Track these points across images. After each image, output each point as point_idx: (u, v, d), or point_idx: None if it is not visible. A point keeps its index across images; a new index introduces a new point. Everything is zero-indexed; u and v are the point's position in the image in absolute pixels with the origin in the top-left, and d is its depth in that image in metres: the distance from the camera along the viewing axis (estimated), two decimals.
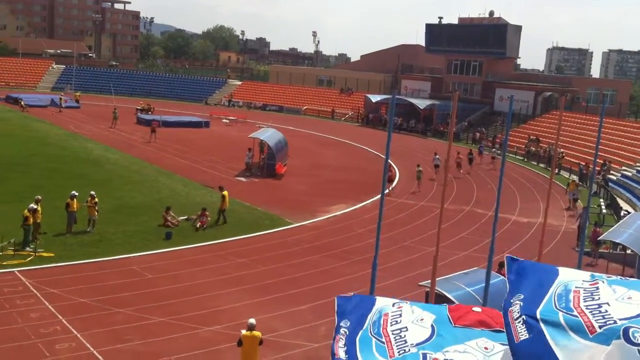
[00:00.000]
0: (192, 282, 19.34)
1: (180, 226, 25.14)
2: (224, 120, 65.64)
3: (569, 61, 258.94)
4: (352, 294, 10.83)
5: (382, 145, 51.97)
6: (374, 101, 74.75)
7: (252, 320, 14.07)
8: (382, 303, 10.35)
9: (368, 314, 10.16)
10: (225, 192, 26.49)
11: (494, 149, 53.00)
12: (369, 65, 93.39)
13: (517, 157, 52.58)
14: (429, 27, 79.24)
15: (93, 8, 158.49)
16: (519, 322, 5.16)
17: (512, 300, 5.39)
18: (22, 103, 62.89)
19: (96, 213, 23.76)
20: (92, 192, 24.30)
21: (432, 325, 9.74)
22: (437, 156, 41.65)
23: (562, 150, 47.39)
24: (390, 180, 36.70)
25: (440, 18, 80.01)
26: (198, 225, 25.09)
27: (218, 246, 23.35)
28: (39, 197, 22.40)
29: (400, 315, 10.05)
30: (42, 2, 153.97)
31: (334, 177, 39.15)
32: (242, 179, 36.10)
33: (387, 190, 29.79)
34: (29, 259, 20.10)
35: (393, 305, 10.23)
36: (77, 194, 23.72)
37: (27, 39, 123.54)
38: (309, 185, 36.07)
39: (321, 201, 32.04)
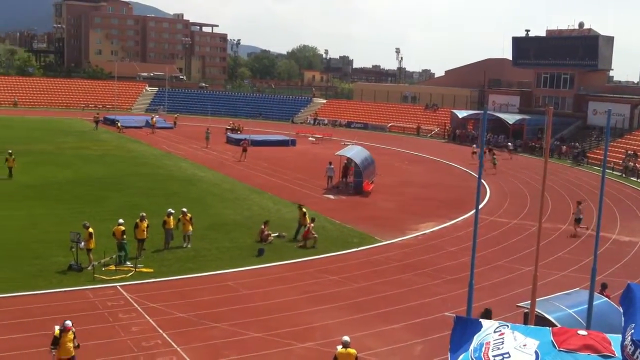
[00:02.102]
0: (285, 299, 19.55)
1: (272, 243, 25.51)
2: (310, 139, 66.42)
3: None
4: (454, 315, 10.66)
5: (470, 162, 51.25)
6: (460, 117, 73.74)
7: (346, 338, 14.07)
8: (486, 326, 10.12)
9: (472, 337, 9.96)
10: (305, 209, 26.87)
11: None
12: (454, 80, 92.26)
13: (614, 172, 50.42)
14: (516, 40, 77.57)
15: (183, 32, 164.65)
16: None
17: (625, 334, 5.12)
18: (119, 124, 65.93)
19: (191, 228, 24.48)
20: (184, 209, 25.08)
21: (535, 352, 9.41)
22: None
23: None
24: None
25: (527, 31, 78.26)
26: (300, 240, 25.59)
27: (309, 263, 23.51)
28: (144, 214, 23.26)
29: (502, 342, 9.79)
30: (134, 28, 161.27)
31: (422, 194, 38.75)
32: (331, 196, 36.30)
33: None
34: (130, 274, 20.90)
35: (495, 331, 9.98)
36: (173, 211, 24.54)
37: (122, 63, 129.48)
38: (396, 203, 35.84)
39: (410, 219, 31.75)
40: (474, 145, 60.00)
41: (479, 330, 9.91)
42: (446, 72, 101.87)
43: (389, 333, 17.31)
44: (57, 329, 13.81)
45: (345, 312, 18.60)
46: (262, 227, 25.96)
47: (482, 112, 19.40)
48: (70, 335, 13.76)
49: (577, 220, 29.73)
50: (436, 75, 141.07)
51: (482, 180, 37.48)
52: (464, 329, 10.06)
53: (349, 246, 25.95)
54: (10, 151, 37.63)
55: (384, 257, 24.67)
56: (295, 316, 18.16)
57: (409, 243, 27.21)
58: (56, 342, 13.69)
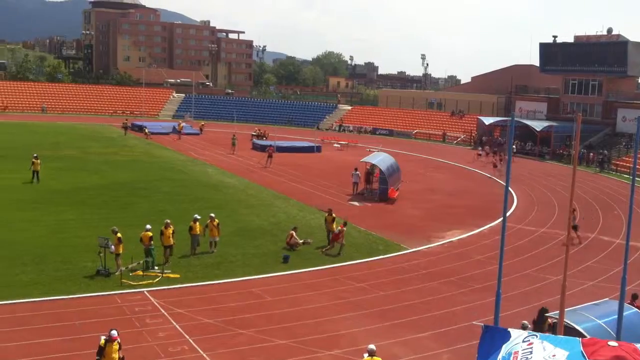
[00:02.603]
0: (311, 306, 19.53)
1: (297, 249, 25.51)
2: (335, 145, 66.46)
3: None
4: (482, 324, 10.55)
5: (497, 169, 50.78)
6: (486, 123, 73.22)
7: (372, 346, 14.01)
8: (515, 336, 10.00)
9: (500, 347, 9.85)
10: (333, 215, 26.82)
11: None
12: (481, 87, 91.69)
13: None
14: (543, 46, 76.84)
15: (209, 38, 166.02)
16: None
17: None
18: (146, 130, 66.62)
19: (217, 234, 24.59)
20: (212, 214, 25.23)
21: None
22: None
23: None
24: None
25: (555, 37, 77.50)
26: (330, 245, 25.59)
27: (334, 270, 23.47)
28: (168, 221, 23.37)
29: (531, 352, 9.66)
30: (162, 34, 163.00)
31: (448, 202, 38.51)
32: (356, 203, 36.23)
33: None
34: (157, 279, 21.05)
35: (523, 340, 9.85)
36: (199, 217, 24.66)
37: (149, 69, 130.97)
38: (422, 210, 35.65)
39: (436, 226, 31.56)
40: (480, 149, 63.95)
41: (508, 339, 9.80)
42: (472, 78, 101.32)
43: (415, 342, 17.19)
44: (102, 339, 13.67)
45: (371, 320, 18.52)
46: (291, 232, 25.99)
47: (509, 118, 19.24)
48: (115, 346, 13.57)
49: (574, 228, 29.17)
50: (462, 82, 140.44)
51: (510, 188, 37.21)
52: (492, 338, 9.96)
53: (375, 253, 25.86)
54: (35, 155, 38.29)
55: (410, 265, 24.54)
56: (321, 323, 18.12)
57: (435, 251, 27.03)
58: (101, 352, 13.56)
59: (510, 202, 37.41)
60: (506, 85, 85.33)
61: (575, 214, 29.46)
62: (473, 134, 76.56)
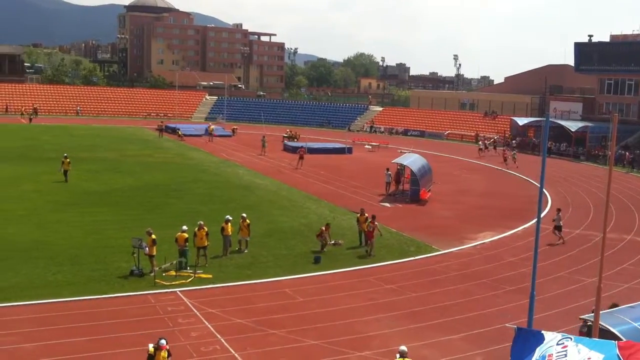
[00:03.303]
0: (341, 307, 19.53)
1: (328, 250, 25.55)
2: (366, 146, 66.35)
3: None
4: (515, 326, 10.44)
5: (530, 170, 50.27)
6: (520, 124, 72.39)
7: (403, 348, 13.97)
8: (549, 339, 9.88)
9: (534, 349, 9.74)
10: (366, 215, 26.70)
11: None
12: (514, 87, 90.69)
13: None
14: (578, 46, 75.69)
15: (241, 41, 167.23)
16: None
17: None
18: (180, 132, 67.40)
19: (247, 234, 24.69)
20: (244, 215, 25.40)
21: None
22: None
23: None
24: None
25: (590, 36, 76.27)
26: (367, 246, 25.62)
27: (365, 271, 23.43)
28: (201, 223, 23.55)
29: (566, 355, 9.52)
30: (195, 38, 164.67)
31: (480, 203, 38.16)
32: (387, 204, 36.11)
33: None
34: (190, 279, 21.26)
35: (557, 343, 9.72)
36: (231, 218, 24.83)
37: (182, 72, 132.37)
38: (454, 211, 35.38)
39: (468, 228, 31.29)
40: (480, 142, 67.49)
41: (542, 342, 9.70)
42: (506, 78, 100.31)
43: (447, 344, 17.07)
44: (151, 347, 13.60)
45: (402, 322, 18.44)
46: (323, 228, 26.04)
47: (543, 119, 18.97)
48: (164, 354, 13.52)
49: (557, 228, 28.66)
50: (495, 82, 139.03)
51: (544, 190, 36.75)
52: (526, 341, 9.87)
53: (406, 255, 25.75)
54: (65, 155, 39.41)
55: (441, 267, 24.37)
56: (352, 324, 18.11)
57: (467, 252, 26.81)
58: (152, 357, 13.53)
59: (544, 204, 36.91)
60: (540, 85, 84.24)
61: (560, 215, 29.17)
62: (506, 135, 75.70)
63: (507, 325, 15.86)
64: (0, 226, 26.95)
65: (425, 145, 67.17)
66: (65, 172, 38.33)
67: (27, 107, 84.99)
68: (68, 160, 38.76)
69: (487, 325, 18.36)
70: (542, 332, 10.00)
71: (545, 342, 9.63)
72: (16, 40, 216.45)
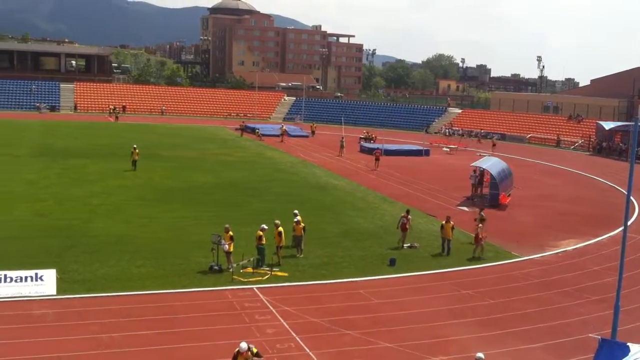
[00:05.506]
0: (417, 310, 19.33)
1: (404, 252, 25.35)
2: (444, 149, 65.46)
3: None
4: (599, 337, 10.06)
5: (617, 176, 48.38)
6: (607, 128, 69.68)
7: (480, 354, 13.70)
8: (634, 351, 9.46)
9: None
10: (452, 223, 26.24)
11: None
12: (600, 90, 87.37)
13: None
14: None
15: (320, 43, 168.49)
16: None
17: None
18: (258, 132, 68.52)
19: (302, 232, 24.30)
20: (295, 211, 25.57)
21: None
22: None
23: None
24: None
25: None
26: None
27: (442, 275, 23.10)
28: (278, 222, 23.82)
29: None
30: (275, 39, 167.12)
31: (563, 209, 36.93)
32: (465, 208, 35.47)
33: None
34: (266, 277, 21.56)
35: None
36: (300, 218, 24.79)
37: (262, 73, 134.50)
38: (535, 217, 34.38)
39: (550, 234, 30.35)
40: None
41: (626, 354, 9.31)
42: (592, 81, 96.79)
43: (526, 352, 16.61)
44: (240, 346, 13.44)
45: (478, 328, 18.08)
46: (403, 215, 26.56)
47: (631, 123, 18.21)
48: (248, 358, 13.38)
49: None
50: (580, 85, 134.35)
51: (631, 197, 35.21)
52: (610, 353, 9.50)
53: (484, 260, 25.21)
54: (134, 146, 42.73)
55: (521, 274, 23.74)
56: (427, 329, 17.90)
57: (548, 260, 26.00)
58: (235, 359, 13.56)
59: (631, 211, 35.36)
60: (628, 88, 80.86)
61: (483, 214, 28.97)
62: (591, 139, 73.02)
63: (590, 335, 15.30)
64: (89, 220, 28.14)
65: (505, 149, 65.61)
66: (134, 162, 41.85)
67: (116, 105, 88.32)
68: (137, 151, 42.29)
69: (568, 335, 17.75)
70: (628, 344, 9.58)
71: (630, 354, 9.23)
72: (105, 41, 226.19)
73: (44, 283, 19.36)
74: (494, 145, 66.23)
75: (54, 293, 19.02)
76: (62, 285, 19.55)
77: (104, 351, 15.46)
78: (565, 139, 76.92)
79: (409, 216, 26.93)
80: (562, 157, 63.99)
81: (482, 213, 29.11)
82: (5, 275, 19.33)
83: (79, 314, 17.69)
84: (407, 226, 26.54)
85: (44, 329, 16.59)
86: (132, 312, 17.97)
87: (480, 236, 25.41)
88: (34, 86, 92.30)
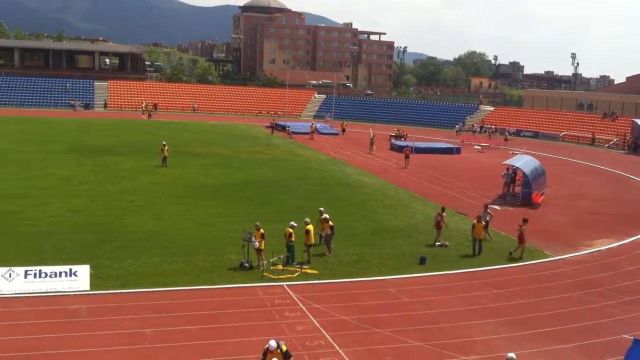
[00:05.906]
0: (447, 309, 19.23)
1: (434, 251, 25.24)
2: (475, 147, 64.89)
3: None
4: (632, 338, 9.92)
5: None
6: None
7: (512, 355, 13.59)
8: None
9: None
10: (483, 223, 26.04)
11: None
12: (636, 87, 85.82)
13: None
14: None
15: (351, 40, 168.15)
16: None
17: None
18: (289, 130, 68.76)
19: (329, 230, 24.33)
20: (321, 209, 25.75)
21: None
22: None
23: None
24: None
25: None
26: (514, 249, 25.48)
27: (472, 275, 22.93)
28: (307, 219, 23.91)
29: None
30: (306, 37, 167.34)
31: (597, 209, 36.36)
32: (497, 207, 35.13)
33: None
34: (296, 274, 21.65)
35: None
36: (328, 216, 24.81)
37: (293, 71, 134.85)
38: (569, 217, 33.92)
39: (583, 234, 29.93)
40: (457, 126, 77.09)
41: None
42: (627, 78, 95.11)
43: (558, 353, 16.42)
44: (269, 344, 13.39)
45: (509, 328, 17.92)
46: (438, 212, 26.78)
47: None
48: (277, 357, 13.32)
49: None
50: (616, 82, 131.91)
51: None
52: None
53: (516, 260, 24.97)
54: (164, 142, 43.59)
55: (553, 274, 23.45)
56: (457, 328, 17.80)
57: (581, 259, 25.64)
58: (265, 356, 13.55)
59: None
60: None
61: (489, 211, 28.41)
62: (627, 138, 71.71)
63: (624, 336, 15.07)
64: (122, 216, 28.57)
65: (539, 147, 64.81)
66: (164, 159, 42.54)
67: (147, 103, 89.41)
68: (167, 147, 43.04)
69: (601, 336, 17.50)
70: None
71: None
72: (138, 40, 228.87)
73: (77, 278, 19.72)
74: (506, 140, 68.84)
75: (88, 288, 19.36)
76: (95, 280, 19.88)
77: (139, 346, 15.70)
78: (600, 137, 75.65)
79: (444, 214, 26.91)
80: (596, 156, 62.98)
81: (487, 210, 28.55)
82: (40, 271, 19.71)
83: (113, 309, 17.98)
84: (442, 224, 26.55)
85: (77, 324, 16.91)
86: (165, 308, 18.20)
87: (524, 236, 25.12)
88: (68, 84, 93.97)
